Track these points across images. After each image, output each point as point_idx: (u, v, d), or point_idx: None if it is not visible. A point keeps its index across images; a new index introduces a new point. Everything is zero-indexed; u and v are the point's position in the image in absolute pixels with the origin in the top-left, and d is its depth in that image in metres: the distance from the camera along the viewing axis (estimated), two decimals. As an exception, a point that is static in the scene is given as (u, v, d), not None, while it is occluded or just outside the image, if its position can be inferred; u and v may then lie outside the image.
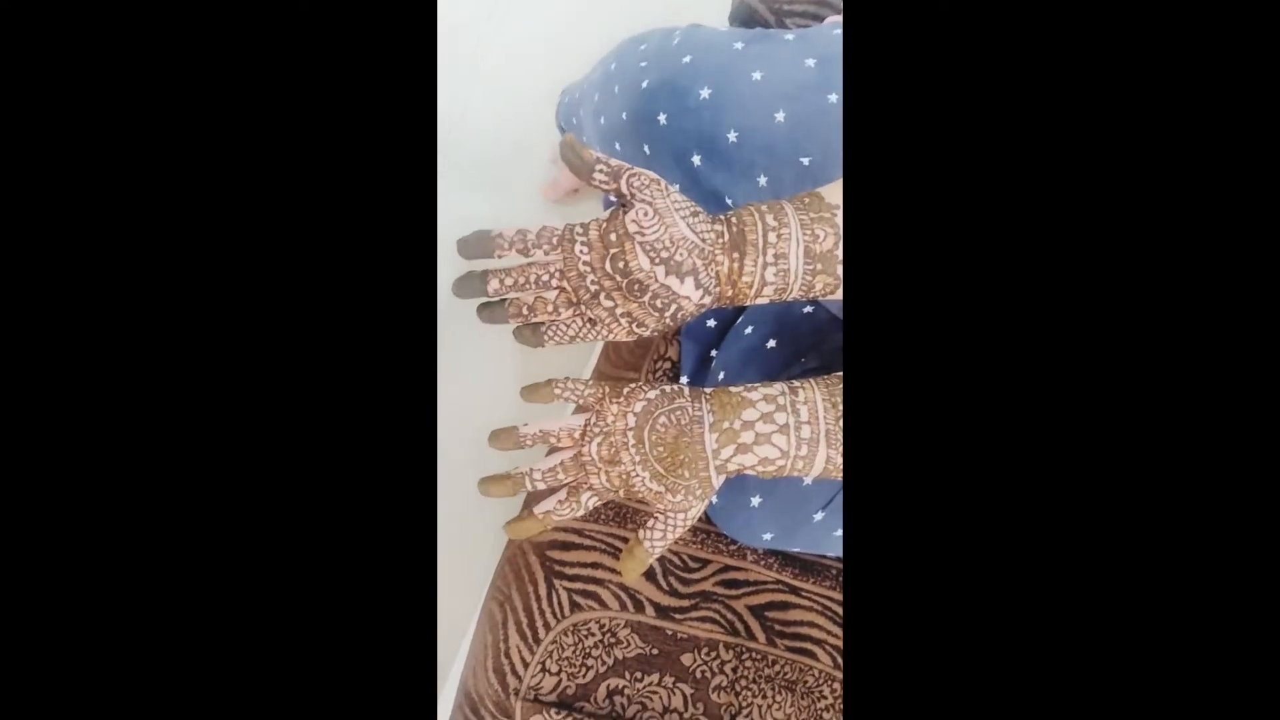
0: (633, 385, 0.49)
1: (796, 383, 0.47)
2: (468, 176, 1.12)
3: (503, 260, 0.50)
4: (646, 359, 0.74)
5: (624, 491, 0.49)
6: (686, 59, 0.62)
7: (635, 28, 0.71)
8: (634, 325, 0.47)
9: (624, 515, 0.72)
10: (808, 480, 0.60)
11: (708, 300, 0.46)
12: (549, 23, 1.16)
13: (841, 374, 0.47)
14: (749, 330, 0.67)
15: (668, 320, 0.47)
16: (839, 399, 0.46)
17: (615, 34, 0.74)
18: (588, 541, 0.71)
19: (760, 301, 0.47)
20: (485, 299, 0.49)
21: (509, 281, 0.47)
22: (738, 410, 0.47)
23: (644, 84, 0.62)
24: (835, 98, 0.59)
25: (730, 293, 0.47)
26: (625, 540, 0.73)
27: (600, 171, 0.45)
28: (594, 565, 0.72)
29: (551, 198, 1.07)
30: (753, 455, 0.46)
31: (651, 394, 0.48)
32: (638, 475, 0.47)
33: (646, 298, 0.45)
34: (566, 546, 0.71)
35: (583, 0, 1.17)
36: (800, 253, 0.45)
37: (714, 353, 0.68)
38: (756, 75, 0.59)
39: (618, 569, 0.52)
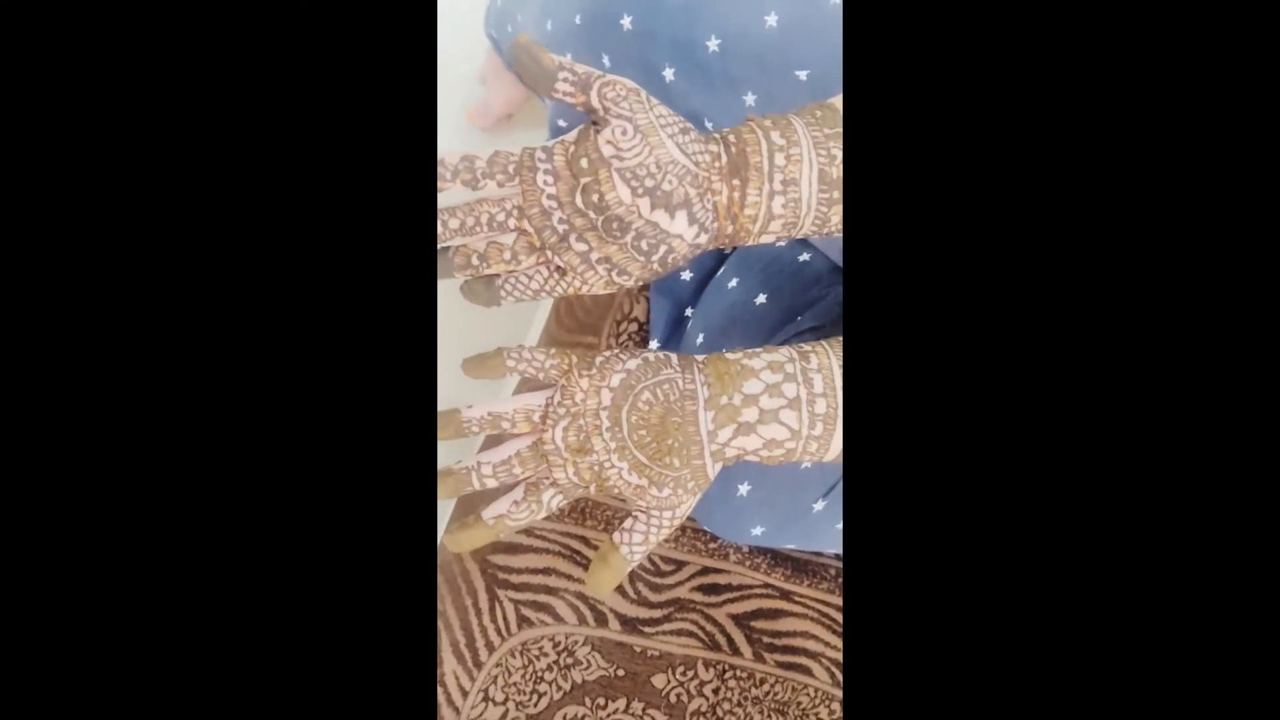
0: (607, 354, 0.44)
1: (807, 346, 0.43)
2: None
3: (445, 195, 0.44)
4: (607, 320, 0.69)
5: (596, 486, 0.43)
6: None
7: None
8: (614, 273, 0.42)
9: (583, 511, 0.69)
10: (807, 464, 0.54)
11: (704, 239, 0.42)
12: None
13: None
14: (733, 283, 0.61)
15: (655, 266, 0.42)
16: None
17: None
18: (538, 543, 0.66)
19: (765, 240, 0.42)
20: None
21: (454, 224, 0.42)
22: (738, 382, 0.42)
23: None
24: None
25: (730, 229, 0.42)
26: (583, 540, 0.68)
27: (564, 80, 0.40)
28: (546, 571, 0.66)
29: (481, 125, 0.99)
30: (756, 437, 0.41)
31: (631, 363, 0.43)
32: (614, 466, 0.42)
33: (629, 238, 0.41)
34: (512, 550, 0.66)
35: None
36: (814, 177, 0.40)
37: (689, 311, 0.63)
38: None
39: (586, 580, 0.48)
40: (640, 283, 0.43)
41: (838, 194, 0.40)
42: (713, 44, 0.53)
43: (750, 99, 0.55)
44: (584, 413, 0.43)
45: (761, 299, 0.60)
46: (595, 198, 0.41)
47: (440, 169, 0.41)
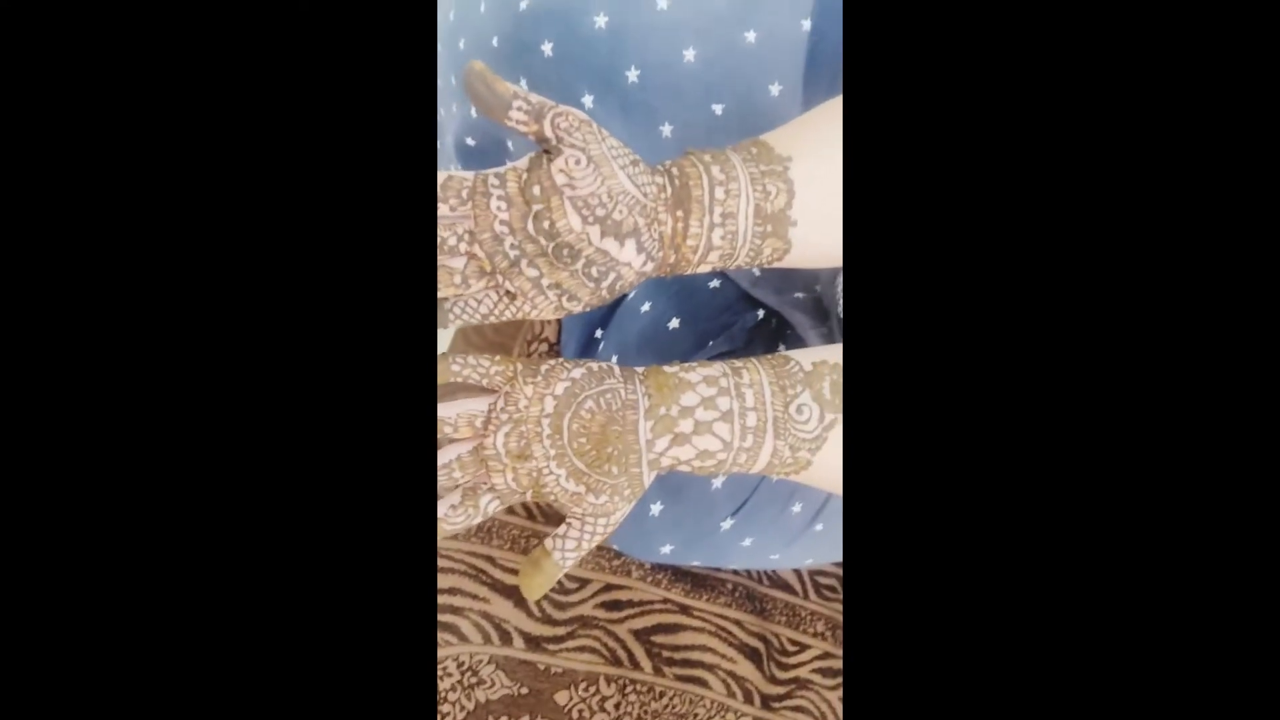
0: (552, 362, 0.44)
1: (739, 362, 0.44)
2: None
3: None
4: (518, 339, 0.68)
5: (533, 493, 0.43)
6: None
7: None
8: (564, 299, 0.42)
9: (490, 530, 0.68)
10: (717, 484, 0.58)
11: (649, 268, 0.42)
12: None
13: (786, 353, 0.45)
14: (646, 307, 0.61)
15: (604, 292, 0.42)
16: (786, 382, 0.43)
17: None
18: (443, 563, 0.64)
19: (703, 269, 0.43)
20: None
21: None
22: (675, 393, 0.42)
23: (522, 4, 0.55)
24: (754, 35, 0.55)
25: (673, 258, 0.42)
26: (489, 559, 0.67)
27: (518, 109, 0.40)
28: (451, 591, 0.65)
29: None
30: (690, 447, 0.42)
31: (576, 372, 0.43)
32: (552, 473, 0.42)
33: (579, 265, 0.41)
34: (418, 569, 0.62)
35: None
36: (750, 211, 0.41)
37: (599, 332, 0.63)
38: (662, 3, 0.54)
39: (518, 583, 0.49)
40: (588, 308, 0.44)
41: (770, 228, 0.42)
42: (633, 74, 0.54)
43: (667, 130, 0.55)
44: (526, 419, 0.42)
45: (675, 323, 0.60)
46: (547, 225, 0.40)
47: None
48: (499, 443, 0.43)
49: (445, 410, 0.43)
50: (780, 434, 0.42)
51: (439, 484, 0.43)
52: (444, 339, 0.74)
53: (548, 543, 0.43)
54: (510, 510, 0.43)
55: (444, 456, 0.43)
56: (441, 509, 0.43)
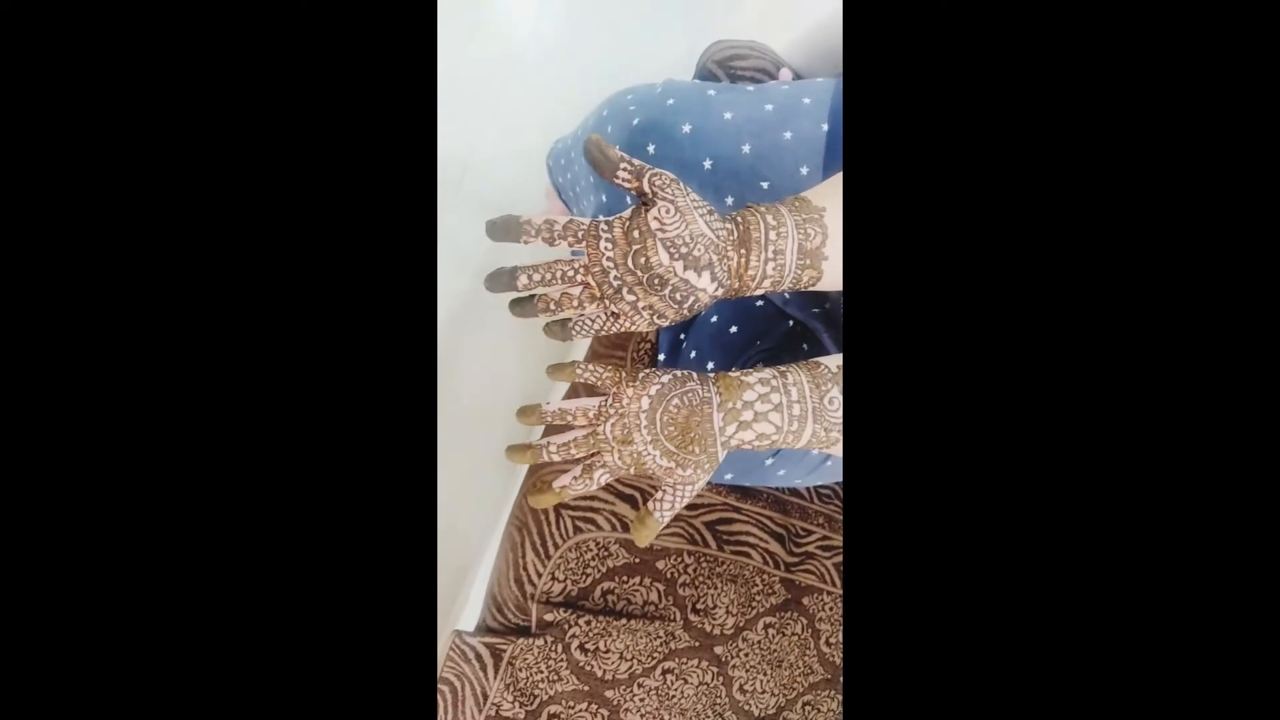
0: (647, 370, 0.48)
1: (784, 368, 0.49)
2: (474, 208, 1.22)
3: (529, 250, 0.49)
4: (631, 341, 0.79)
5: (635, 469, 0.48)
6: (670, 101, 0.65)
7: (617, 87, 0.73)
8: (654, 317, 0.46)
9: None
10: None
11: (720, 292, 0.46)
12: (544, 84, 1.25)
13: (819, 360, 0.50)
14: (714, 319, 0.71)
15: (685, 311, 0.46)
16: (820, 381, 0.48)
17: (597, 94, 0.76)
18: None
19: (758, 292, 0.48)
20: (516, 294, 0.47)
21: (536, 277, 0.46)
22: (739, 392, 0.47)
23: (635, 122, 0.64)
24: (790, 134, 0.64)
25: (737, 285, 0.46)
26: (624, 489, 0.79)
27: (624, 170, 0.44)
28: (592, 499, 0.79)
29: None
30: (752, 431, 0.47)
31: (665, 378, 0.48)
32: (649, 454, 0.47)
33: (666, 291, 0.45)
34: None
35: (569, 67, 1.28)
36: (794, 249, 0.45)
37: (683, 336, 0.72)
38: (727, 115, 0.63)
39: (631, 536, 0.54)
40: (673, 323, 0.47)
41: (809, 261, 0.45)
42: (707, 163, 0.62)
43: (729, 200, 0.62)
44: (628, 414, 0.46)
45: (734, 330, 0.70)
46: (643, 260, 0.43)
47: (527, 226, 0.44)
48: (607, 430, 0.47)
49: (567, 405, 0.48)
50: (817, 419, 0.47)
51: (560, 456, 0.48)
52: (575, 349, 0.86)
53: (649, 504, 0.49)
54: (652, 475, 0.48)
55: (566, 437, 0.48)
56: (567, 479, 0.48)
